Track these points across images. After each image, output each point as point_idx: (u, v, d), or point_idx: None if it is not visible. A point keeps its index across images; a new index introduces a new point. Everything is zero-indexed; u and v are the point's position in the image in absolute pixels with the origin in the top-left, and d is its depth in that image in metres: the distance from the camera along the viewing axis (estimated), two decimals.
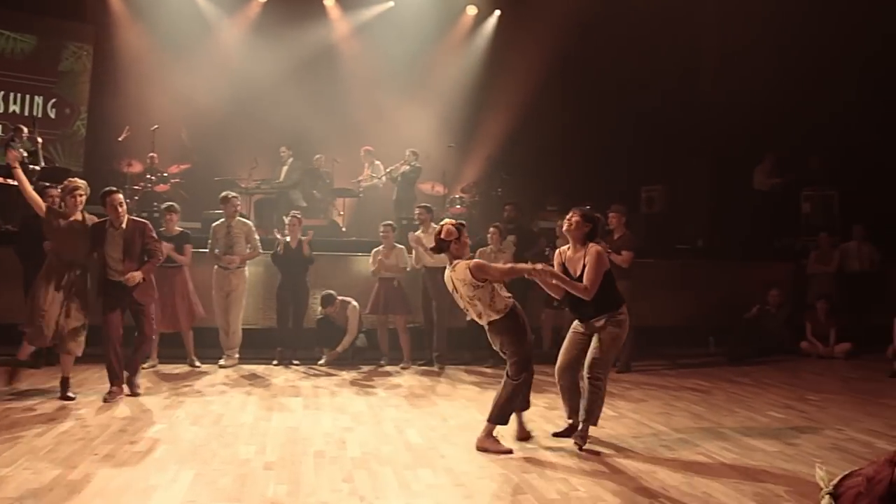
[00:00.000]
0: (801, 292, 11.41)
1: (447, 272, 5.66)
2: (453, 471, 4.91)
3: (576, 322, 5.94)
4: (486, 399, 7.24)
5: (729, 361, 9.81)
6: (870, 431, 6.15)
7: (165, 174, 12.97)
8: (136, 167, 12.81)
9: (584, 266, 5.64)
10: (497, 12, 15.95)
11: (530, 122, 14.31)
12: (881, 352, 9.78)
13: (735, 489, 4.57)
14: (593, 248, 5.67)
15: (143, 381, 7.51)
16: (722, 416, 6.71)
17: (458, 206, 13.14)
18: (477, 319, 5.72)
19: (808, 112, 13.24)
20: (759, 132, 13.57)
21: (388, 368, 9.11)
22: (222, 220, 9.20)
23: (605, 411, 6.79)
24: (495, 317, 5.52)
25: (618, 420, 6.52)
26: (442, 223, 5.73)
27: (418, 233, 9.46)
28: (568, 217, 5.84)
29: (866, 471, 1.42)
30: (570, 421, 5.82)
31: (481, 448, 5.39)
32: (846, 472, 1.48)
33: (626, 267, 9.05)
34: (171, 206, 9.06)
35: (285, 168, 13.01)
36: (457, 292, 5.61)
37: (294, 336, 9.34)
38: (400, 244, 9.58)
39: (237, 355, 9.04)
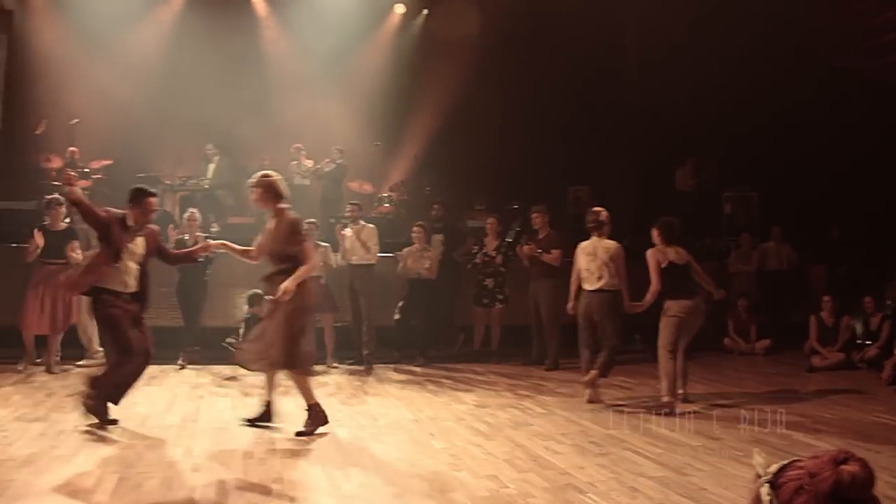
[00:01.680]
0: (724, 291, 11.70)
1: (594, 241, 7.38)
2: (384, 470, 4.90)
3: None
4: (416, 397, 7.30)
5: (653, 358, 9.99)
6: (788, 424, 6.34)
7: (87, 170, 12.60)
8: (56, 162, 12.41)
9: None
10: (425, 11, 15.95)
11: (458, 122, 14.35)
12: (799, 348, 10.17)
13: (661, 483, 4.67)
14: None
15: (59, 383, 7.31)
16: (647, 412, 6.84)
17: (387, 205, 13.11)
18: (591, 284, 7.31)
19: (727, 114, 13.59)
20: (682, 133, 13.88)
21: (316, 367, 9.00)
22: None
23: (533, 408, 6.92)
24: (610, 289, 7.20)
25: (546, 417, 6.59)
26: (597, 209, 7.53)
27: (347, 230, 9.40)
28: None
29: (807, 465, 1.46)
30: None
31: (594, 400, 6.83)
32: (785, 462, 1.51)
33: (556, 265, 9.22)
34: (56, 198, 8.38)
35: (212, 166, 12.79)
36: (595, 257, 7.25)
37: (191, 335, 9.08)
38: (325, 242, 9.50)
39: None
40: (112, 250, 5.86)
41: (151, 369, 8.38)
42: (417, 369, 9.04)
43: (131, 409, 6.50)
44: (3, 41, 14.15)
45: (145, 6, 14.63)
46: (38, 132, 12.52)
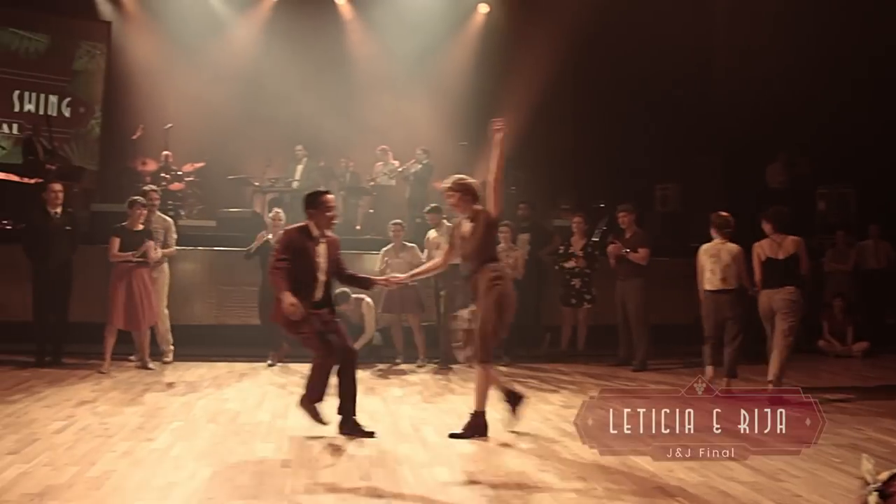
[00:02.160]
0: (818, 291, 11.35)
1: (717, 244, 7.79)
2: (470, 469, 4.91)
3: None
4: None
5: (745, 360, 9.75)
6: (888, 431, 6.11)
7: (180, 172, 13.01)
8: (151, 165, 12.86)
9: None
10: (508, 10, 15.91)
11: (544, 121, 14.26)
12: None
13: (753, 488, 4.55)
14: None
15: (154, 379, 7.57)
16: (739, 415, 6.66)
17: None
18: (715, 285, 7.71)
19: (822, 109, 13.17)
20: (772, 130, 13.53)
21: (404, 367, 9.11)
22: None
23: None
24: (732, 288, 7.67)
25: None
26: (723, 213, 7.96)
27: (431, 233, 9.43)
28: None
29: None
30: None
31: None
32: (894, 471, 1.44)
33: (643, 264, 9.11)
34: (138, 199, 8.60)
35: (300, 167, 13.02)
36: (719, 259, 7.69)
37: (275, 335, 9.05)
38: (411, 243, 9.56)
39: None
40: (304, 267, 5.78)
41: (242, 366, 8.70)
42: (503, 369, 9.01)
43: (223, 405, 6.69)
44: (103, 51, 14.73)
45: (234, 13, 15.03)
46: (135, 137, 13.00)
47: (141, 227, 8.46)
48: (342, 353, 5.76)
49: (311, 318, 5.68)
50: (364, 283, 6.43)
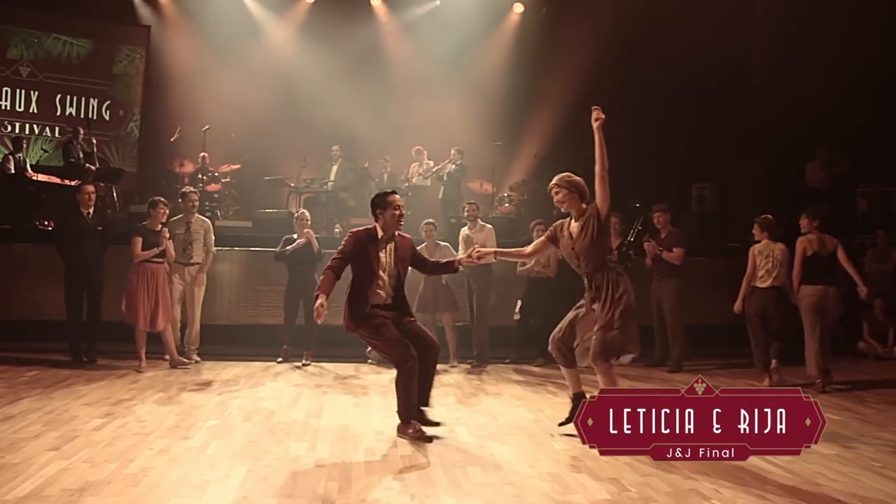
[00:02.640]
0: (858, 291, 11.15)
1: (766, 244, 8.18)
2: (503, 469, 4.90)
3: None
4: (536, 398, 7.27)
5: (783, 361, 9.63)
6: None
7: (216, 174, 13.16)
8: (188, 167, 13.03)
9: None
10: (544, 10, 15.87)
11: (578, 120, 14.13)
12: None
13: (790, 493, 4.48)
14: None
15: (190, 378, 7.68)
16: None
17: (507, 205, 13.11)
18: (766, 282, 8.10)
19: (861, 106, 12.95)
20: (810, 128, 13.34)
21: (437, 367, 9.07)
22: (180, 216, 9.06)
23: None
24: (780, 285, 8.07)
25: None
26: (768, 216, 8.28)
27: (465, 229, 9.43)
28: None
29: None
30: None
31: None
32: None
33: (678, 264, 9.04)
34: (160, 199, 8.76)
35: (335, 167, 13.10)
36: (770, 257, 8.13)
37: (304, 334, 9.13)
38: (445, 242, 9.57)
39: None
40: (364, 267, 5.76)
41: (277, 366, 8.77)
42: (537, 369, 9.00)
43: (258, 403, 6.75)
44: (142, 55, 14.95)
45: (270, 15, 15.17)
46: (172, 139, 13.17)
47: (161, 226, 8.57)
48: (423, 349, 5.76)
49: (378, 323, 5.69)
50: (450, 267, 6.39)
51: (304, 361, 9.01)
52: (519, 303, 9.59)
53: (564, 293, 9.76)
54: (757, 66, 15.17)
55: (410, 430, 5.62)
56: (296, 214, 9.49)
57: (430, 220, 9.68)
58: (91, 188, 8.91)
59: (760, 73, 15.04)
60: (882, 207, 12.90)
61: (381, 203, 5.89)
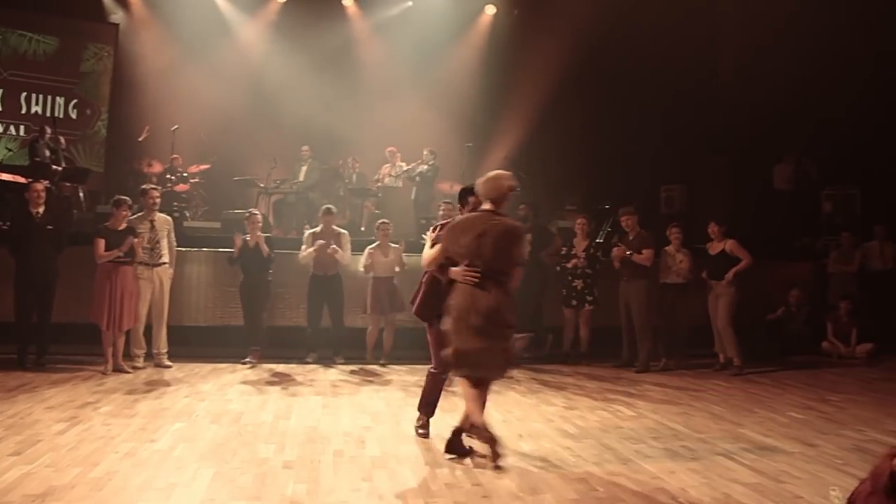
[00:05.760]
0: (822, 292, 11.32)
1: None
2: (472, 470, 4.91)
3: None
4: (505, 399, 7.27)
5: (749, 362, 9.75)
6: (891, 432, 6.09)
7: (185, 174, 13.05)
8: (157, 167, 12.91)
9: None
10: (515, 12, 15.93)
11: (549, 122, 14.28)
12: None
13: (755, 490, 4.54)
14: None
15: (157, 380, 7.59)
16: (742, 417, 6.67)
17: None
18: None
19: (828, 110, 13.13)
20: (778, 131, 13.49)
21: (406, 367, 9.07)
22: (141, 214, 8.83)
23: (623, 411, 6.83)
24: None
25: (637, 420, 6.49)
26: None
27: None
28: None
29: (871, 471, 1.43)
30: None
31: None
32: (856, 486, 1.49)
33: (647, 265, 9.12)
34: (124, 199, 8.58)
35: (304, 168, 13.05)
36: None
37: (256, 335, 9.11)
38: (395, 244, 9.49)
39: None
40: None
41: (245, 368, 8.71)
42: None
43: (226, 406, 6.70)
44: (110, 53, 14.79)
45: (241, 15, 15.07)
46: (141, 139, 13.04)
47: (124, 226, 8.44)
48: None
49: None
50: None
51: (248, 360, 8.94)
52: None
53: (533, 295, 9.82)
54: (726, 69, 15.33)
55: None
56: (247, 214, 9.39)
57: (385, 221, 9.69)
58: (40, 186, 8.67)
59: (729, 76, 15.20)
60: (846, 209, 13.10)
61: (463, 201, 5.73)
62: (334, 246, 9.17)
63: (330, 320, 9.41)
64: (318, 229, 9.42)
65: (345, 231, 9.56)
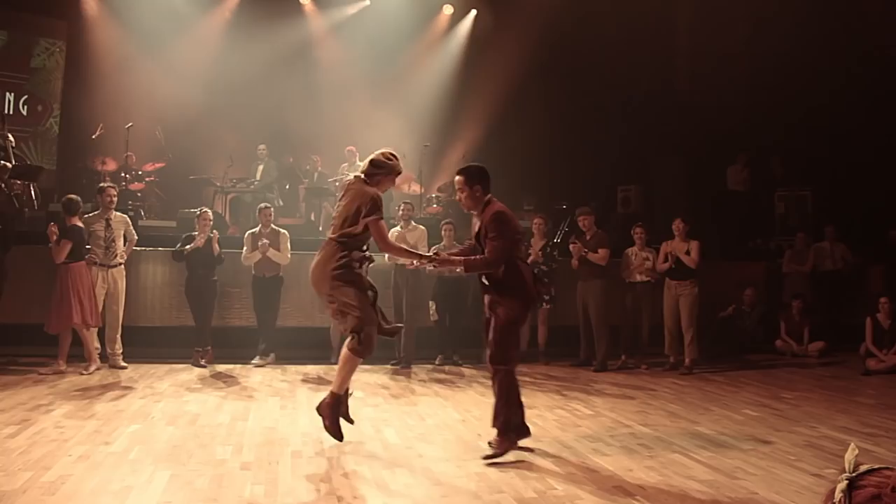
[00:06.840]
0: (776, 292, 11.52)
1: None
2: (431, 470, 4.90)
3: None
4: (464, 398, 7.29)
5: (703, 360, 9.88)
6: (843, 429, 6.21)
7: (140, 172, 12.86)
8: (111, 165, 12.68)
9: None
10: (473, 12, 15.97)
11: (507, 123, 14.32)
12: (854, 350, 9.94)
13: (711, 486, 4.60)
14: None
15: (112, 381, 7.46)
16: (697, 415, 6.76)
17: (435, 206, 13.13)
18: None
19: (781, 112, 13.38)
20: (733, 132, 13.69)
21: (364, 367, 9.02)
22: (97, 212, 8.77)
23: (581, 409, 6.87)
24: None
25: (594, 419, 6.54)
26: None
27: (397, 229, 9.36)
28: None
29: (894, 478, 1.42)
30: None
31: None
32: (876, 467, 1.46)
33: (603, 265, 9.20)
34: (76, 199, 8.52)
35: (261, 166, 12.94)
36: None
37: (204, 335, 9.06)
38: None
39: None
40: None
41: (202, 370, 8.61)
42: (465, 370, 9.03)
43: (182, 407, 6.62)
44: (62, 48, 14.51)
45: (197, 11, 14.86)
46: (94, 136, 12.80)
47: (80, 225, 8.33)
48: None
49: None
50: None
51: (202, 362, 8.86)
52: (432, 304, 9.58)
53: (474, 290, 9.82)
54: (682, 72, 15.54)
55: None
56: (198, 212, 9.27)
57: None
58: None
59: (685, 79, 15.42)
60: (798, 210, 13.36)
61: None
62: (265, 242, 9.08)
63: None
64: (256, 230, 9.33)
65: (284, 230, 9.48)
